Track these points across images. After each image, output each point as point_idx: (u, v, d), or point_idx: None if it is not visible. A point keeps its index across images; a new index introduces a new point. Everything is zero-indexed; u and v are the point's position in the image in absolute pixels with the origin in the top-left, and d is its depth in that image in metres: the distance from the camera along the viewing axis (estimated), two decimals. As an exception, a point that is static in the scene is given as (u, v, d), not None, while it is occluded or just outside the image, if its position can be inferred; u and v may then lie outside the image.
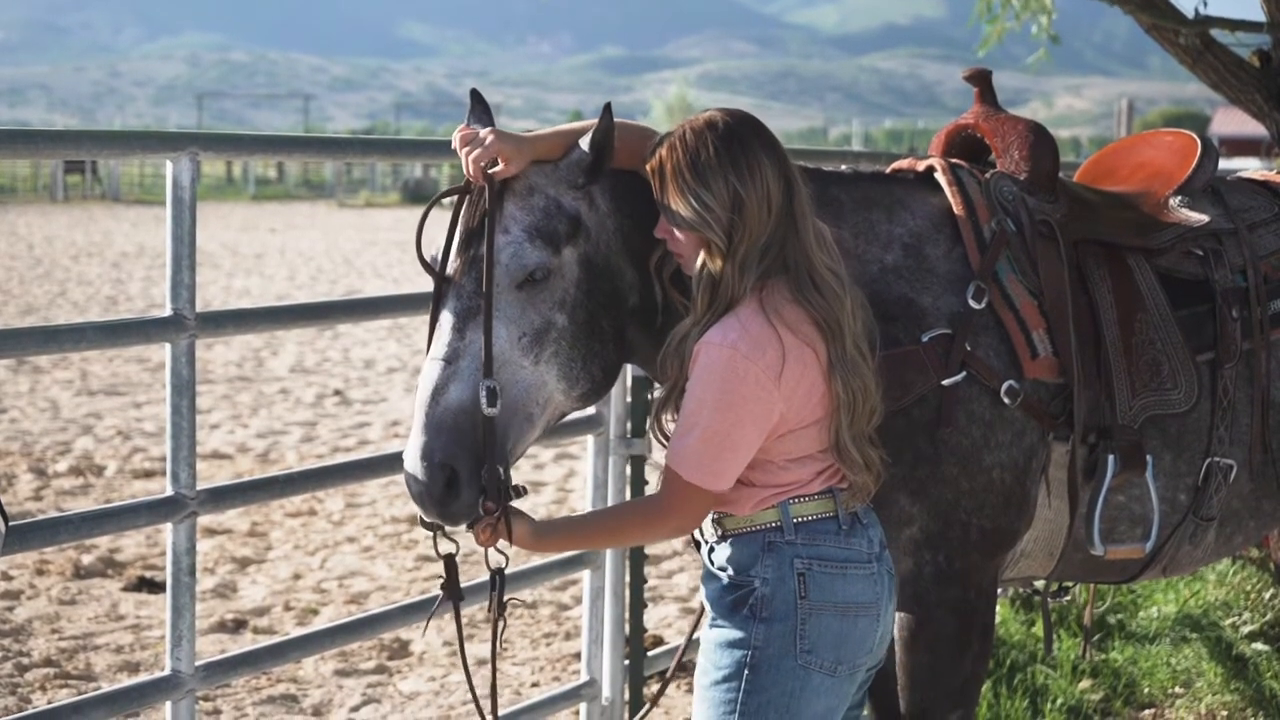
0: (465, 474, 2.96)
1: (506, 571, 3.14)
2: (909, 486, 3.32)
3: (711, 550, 3.04)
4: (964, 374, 3.33)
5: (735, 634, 2.96)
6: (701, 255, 2.93)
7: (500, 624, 3.14)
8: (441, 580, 3.14)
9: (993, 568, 3.47)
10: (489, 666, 3.24)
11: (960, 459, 3.34)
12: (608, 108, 3.04)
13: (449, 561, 3.13)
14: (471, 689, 3.24)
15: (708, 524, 3.03)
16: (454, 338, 3.01)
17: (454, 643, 6.44)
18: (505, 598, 3.13)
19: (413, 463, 2.97)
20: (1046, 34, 8.14)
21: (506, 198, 3.04)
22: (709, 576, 3.06)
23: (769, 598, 2.94)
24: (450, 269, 3.05)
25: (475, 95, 3.27)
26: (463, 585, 3.17)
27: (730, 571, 2.99)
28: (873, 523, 3.05)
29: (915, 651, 3.44)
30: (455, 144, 3.11)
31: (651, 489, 3.26)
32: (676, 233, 2.96)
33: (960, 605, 3.41)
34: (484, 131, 3.07)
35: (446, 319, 3.03)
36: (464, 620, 3.24)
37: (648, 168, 3.00)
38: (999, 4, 8.05)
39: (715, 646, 2.99)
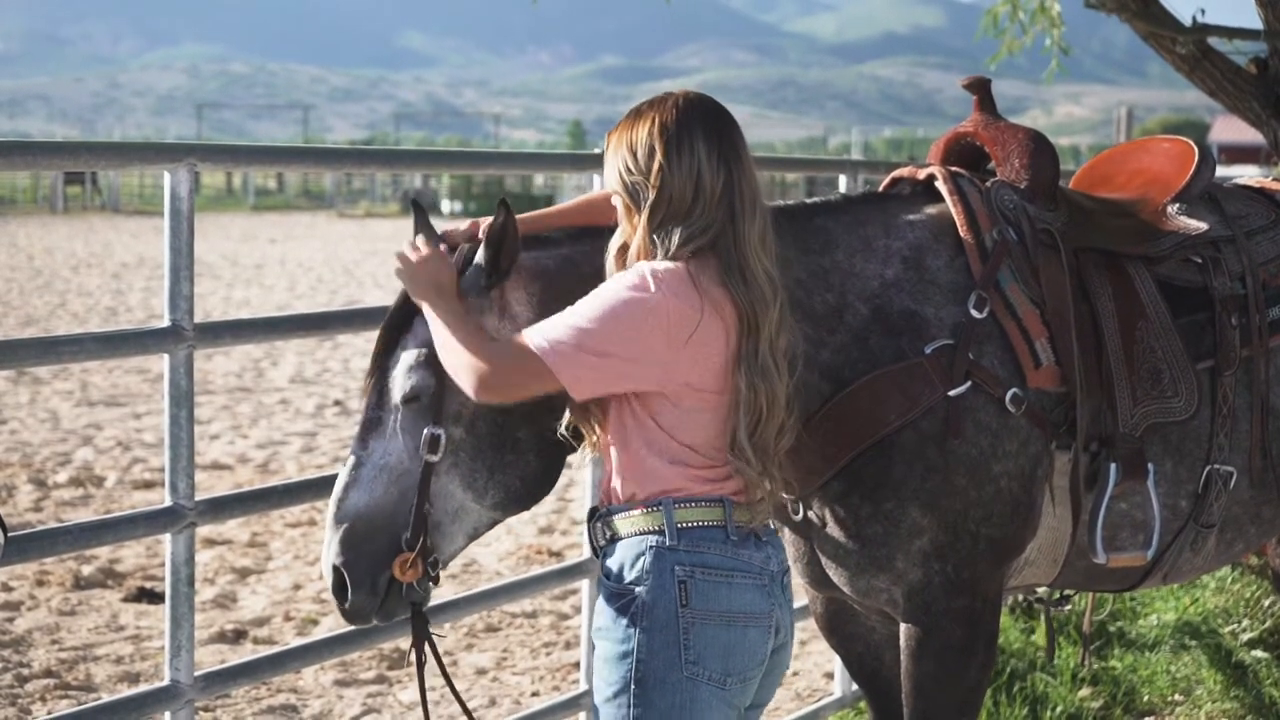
0: (354, 579, 3.11)
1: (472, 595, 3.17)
2: (920, 499, 3.31)
3: (606, 556, 2.99)
4: (969, 384, 3.33)
5: (620, 646, 2.89)
6: (621, 221, 2.95)
7: (423, 660, 3.20)
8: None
9: (1000, 577, 3.47)
10: (479, 679, 3.24)
11: (969, 469, 3.33)
12: (502, 203, 3.04)
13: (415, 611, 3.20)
14: (454, 691, 3.26)
15: (599, 528, 2.99)
16: (358, 445, 3.20)
17: (453, 653, 6.46)
18: (432, 630, 3.24)
19: (324, 558, 3.17)
20: (1058, 46, 8.12)
21: (416, 312, 3.09)
22: (600, 583, 3.00)
23: (650, 605, 2.87)
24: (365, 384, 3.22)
25: (416, 206, 3.29)
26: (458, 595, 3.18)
27: (613, 578, 2.94)
28: (774, 544, 2.98)
29: (922, 660, 3.43)
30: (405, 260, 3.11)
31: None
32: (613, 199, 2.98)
33: (968, 614, 3.41)
34: (425, 249, 3.07)
35: (358, 427, 3.21)
36: (465, 630, 3.26)
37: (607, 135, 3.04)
38: (1006, 17, 8.04)
39: (603, 660, 2.93)
